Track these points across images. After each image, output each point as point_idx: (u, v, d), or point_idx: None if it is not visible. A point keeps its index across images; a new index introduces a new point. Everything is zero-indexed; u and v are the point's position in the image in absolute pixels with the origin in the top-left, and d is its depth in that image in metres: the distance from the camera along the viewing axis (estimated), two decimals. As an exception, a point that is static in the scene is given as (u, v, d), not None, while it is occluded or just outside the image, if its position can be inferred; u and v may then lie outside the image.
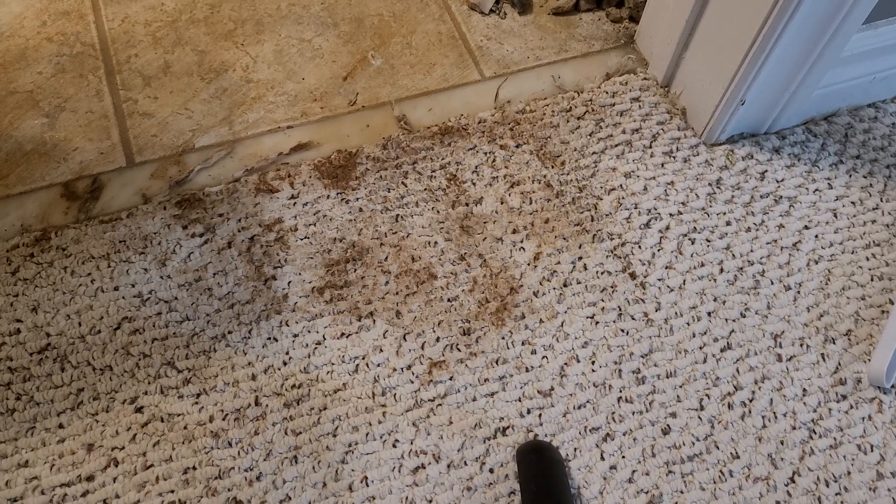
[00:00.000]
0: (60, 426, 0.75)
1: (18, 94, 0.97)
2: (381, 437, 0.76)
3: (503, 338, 0.82)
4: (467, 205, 0.92)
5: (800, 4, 0.78)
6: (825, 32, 0.84)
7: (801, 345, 0.83)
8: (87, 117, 0.96)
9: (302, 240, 0.88)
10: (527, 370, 0.80)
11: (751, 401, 0.80)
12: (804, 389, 0.80)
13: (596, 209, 0.92)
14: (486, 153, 0.96)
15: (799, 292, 0.87)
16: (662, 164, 0.96)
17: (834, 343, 0.84)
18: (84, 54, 1.01)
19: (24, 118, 0.95)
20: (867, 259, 0.90)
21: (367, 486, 0.73)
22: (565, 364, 0.81)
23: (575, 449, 0.76)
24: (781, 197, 0.94)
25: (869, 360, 0.82)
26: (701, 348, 0.83)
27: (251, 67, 1.02)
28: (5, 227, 0.87)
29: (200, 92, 0.99)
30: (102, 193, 0.90)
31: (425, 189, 0.93)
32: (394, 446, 0.75)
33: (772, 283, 0.87)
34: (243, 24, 1.05)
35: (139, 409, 0.76)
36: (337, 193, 0.92)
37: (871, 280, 0.88)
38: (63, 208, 0.89)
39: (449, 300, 0.85)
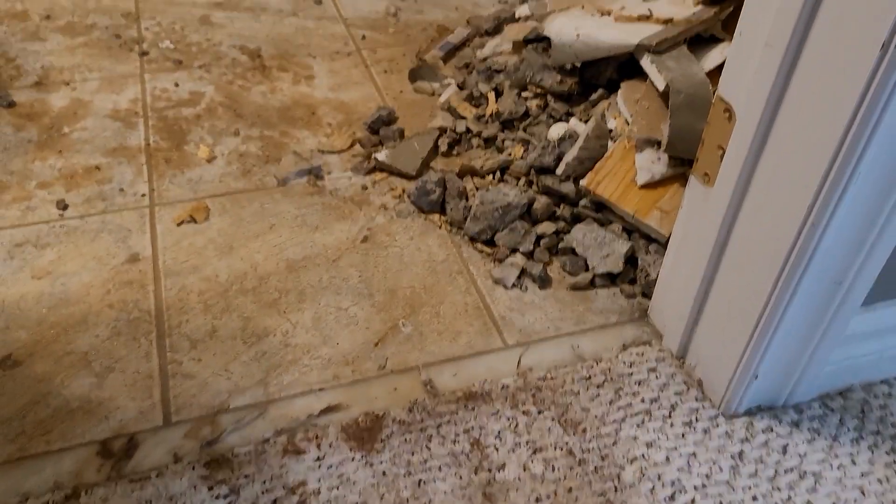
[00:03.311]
0: None
1: (74, 355, 1.05)
2: None
3: None
4: (490, 471, 0.93)
5: (797, 287, 0.85)
6: (825, 314, 0.90)
7: None
8: (133, 377, 1.02)
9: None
10: None
11: None
12: None
13: (619, 479, 0.92)
14: (508, 418, 0.99)
15: (838, 577, 0.83)
16: (683, 435, 0.97)
17: None
18: (140, 319, 1.10)
19: (76, 377, 1.02)
20: (905, 541, 0.86)
21: None
22: None
23: None
24: (806, 472, 0.93)
25: None
26: None
27: (290, 332, 1.10)
28: (39, 483, 0.89)
29: (241, 355, 1.06)
30: (136, 452, 0.93)
31: (449, 453, 0.94)
32: None
33: (807, 566, 0.84)
34: (287, 293, 1.16)
35: None
36: (362, 456, 0.94)
37: (913, 565, 0.84)
38: (97, 466, 0.91)
39: (470, 575, 0.82)
